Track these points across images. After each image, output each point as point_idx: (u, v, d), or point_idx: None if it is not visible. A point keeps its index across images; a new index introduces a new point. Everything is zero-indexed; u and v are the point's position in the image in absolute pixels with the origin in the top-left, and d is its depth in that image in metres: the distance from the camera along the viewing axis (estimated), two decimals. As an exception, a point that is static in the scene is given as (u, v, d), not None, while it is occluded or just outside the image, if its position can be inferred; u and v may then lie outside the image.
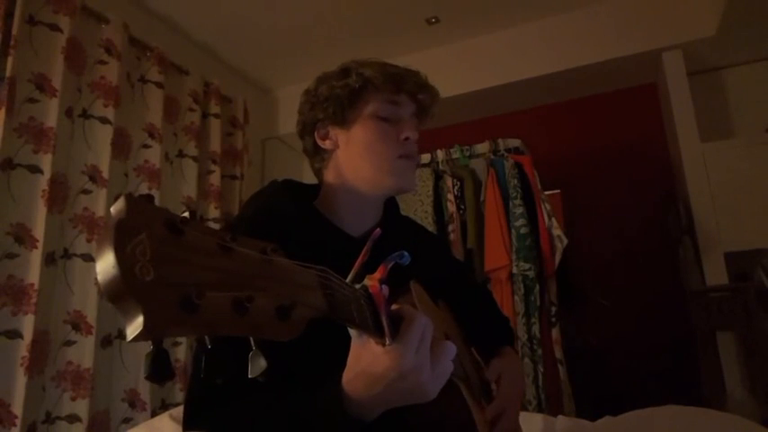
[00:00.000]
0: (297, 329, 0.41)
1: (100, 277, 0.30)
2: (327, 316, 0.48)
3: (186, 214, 0.36)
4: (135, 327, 0.29)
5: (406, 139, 0.97)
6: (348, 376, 0.65)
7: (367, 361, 0.61)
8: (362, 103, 0.97)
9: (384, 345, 0.59)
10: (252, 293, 0.36)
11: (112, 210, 0.32)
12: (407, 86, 0.99)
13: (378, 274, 0.59)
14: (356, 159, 0.97)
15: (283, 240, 0.47)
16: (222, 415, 0.77)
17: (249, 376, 0.41)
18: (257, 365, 0.41)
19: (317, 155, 1.03)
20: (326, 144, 1.00)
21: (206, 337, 0.36)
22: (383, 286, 0.59)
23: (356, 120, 0.97)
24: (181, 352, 2.58)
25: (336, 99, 0.97)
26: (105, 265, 0.29)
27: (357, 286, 0.58)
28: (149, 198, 0.34)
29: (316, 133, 1.01)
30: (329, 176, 1.02)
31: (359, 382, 0.64)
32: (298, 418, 0.71)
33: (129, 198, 0.32)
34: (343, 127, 0.98)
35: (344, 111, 0.97)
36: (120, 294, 0.29)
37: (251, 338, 0.40)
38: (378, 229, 0.66)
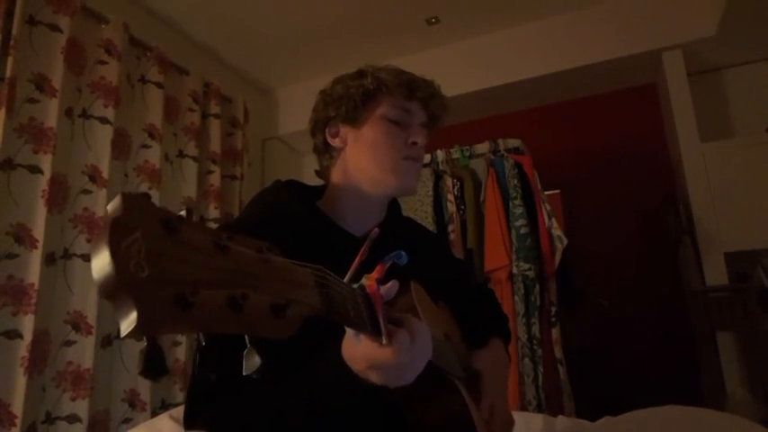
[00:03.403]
0: (292, 327, 0.41)
1: (95, 274, 0.30)
2: (323, 314, 0.48)
3: (183, 213, 0.36)
4: (129, 323, 0.30)
5: (414, 143, 0.99)
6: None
7: (360, 354, 0.62)
8: (375, 104, 0.99)
9: (379, 344, 0.59)
10: (247, 291, 0.37)
11: (109, 208, 0.32)
12: (420, 93, 1.01)
13: (375, 274, 0.59)
14: (362, 158, 0.99)
15: (286, 239, 0.47)
16: (220, 411, 0.78)
17: (243, 374, 0.41)
18: (251, 363, 0.41)
19: (326, 152, 1.05)
20: (336, 142, 1.02)
21: (200, 335, 0.36)
22: (381, 286, 0.59)
23: (367, 120, 0.99)
24: (181, 352, 2.58)
25: (350, 98, 0.99)
26: (100, 262, 0.30)
27: (354, 286, 0.58)
28: (146, 196, 0.34)
29: (327, 130, 1.03)
30: (336, 175, 1.03)
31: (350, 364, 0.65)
32: (302, 385, 0.73)
33: (126, 196, 0.32)
34: (354, 125, 1.00)
35: (357, 110, 0.99)
36: (114, 291, 0.30)
37: (246, 336, 0.40)
38: (376, 228, 0.66)
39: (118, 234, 0.30)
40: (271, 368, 0.42)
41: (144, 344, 0.32)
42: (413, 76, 1.02)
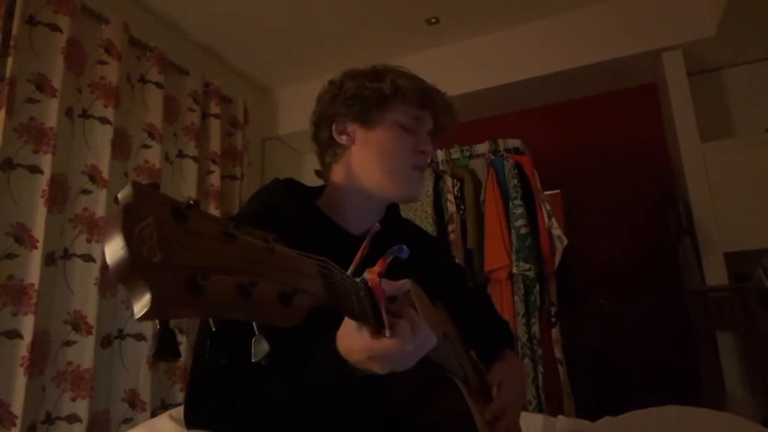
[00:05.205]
0: (298, 316, 0.42)
1: (109, 259, 0.30)
2: (327, 305, 0.48)
3: (192, 202, 0.36)
4: (142, 305, 0.30)
5: (423, 152, 0.99)
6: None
7: (360, 346, 0.62)
8: (388, 108, 0.99)
9: (382, 337, 0.59)
10: (255, 279, 0.37)
11: (120, 196, 0.33)
12: (434, 105, 1.02)
13: (377, 268, 0.60)
14: (370, 160, 0.99)
15: (285, 236, 0.48)
16: (220, 406, 0.78)
17: (252, 360, 0.42)
18: (260, 349, 0.42)
19: (330, 148, 1.04)
20: (343, 139, 1.01)
21: (210, 321, 0.36)
22: (390, 282, 0.60)
23: (378, 122, 0.99)
24: (180, 351, 2.57)
25: (364, 99, 0.99)
26: (114, 247, 0.30)
27: (357, 279, 0.58)
28: (155, 186, 0.35)
29: (333, 126, 1.02)
30: (338, 173, 1.03)
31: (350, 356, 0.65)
32: (298, 382, 0.73)
33: (136, 185, 0.33)
34: (365, 126, 1.00)
35: (370, 112, 0.99)
36: (128, 274, 0.30)
37: (254, 323, 0.41)
38: (377, 224, 0.66)
39: (130, 219, 0.31)
40: (276, 357, 0.43)
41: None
42: (429, 86, 1.03)
